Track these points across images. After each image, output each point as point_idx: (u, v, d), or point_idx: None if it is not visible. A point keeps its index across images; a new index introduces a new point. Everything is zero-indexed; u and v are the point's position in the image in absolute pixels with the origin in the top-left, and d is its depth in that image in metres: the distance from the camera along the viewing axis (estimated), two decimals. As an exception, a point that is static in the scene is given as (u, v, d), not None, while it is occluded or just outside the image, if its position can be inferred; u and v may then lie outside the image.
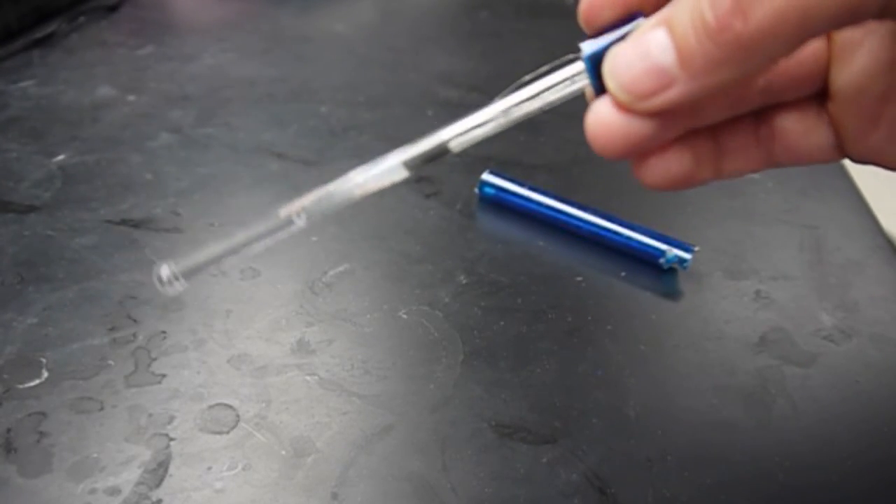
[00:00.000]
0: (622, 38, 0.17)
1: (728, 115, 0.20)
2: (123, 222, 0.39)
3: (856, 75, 0.19)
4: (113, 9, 0.68)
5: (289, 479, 0.27)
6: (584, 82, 0.19)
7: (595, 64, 0.18)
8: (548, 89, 0.19)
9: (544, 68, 0.19)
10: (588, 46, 0.18)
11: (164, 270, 0.21)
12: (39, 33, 0.60)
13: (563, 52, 0.19)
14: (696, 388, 0.32)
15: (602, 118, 0.18)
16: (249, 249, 0.21)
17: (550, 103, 0.19)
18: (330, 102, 0.53)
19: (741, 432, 0.30)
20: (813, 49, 0.19)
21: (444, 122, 0.21)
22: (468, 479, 0.27)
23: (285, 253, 0.38)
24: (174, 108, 0.51)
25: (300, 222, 0.21)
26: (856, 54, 0.19)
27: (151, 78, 0.56)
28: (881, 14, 0.15)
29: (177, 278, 0.21)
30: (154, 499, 0.26)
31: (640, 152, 0.19)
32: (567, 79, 0.19)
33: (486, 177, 0.42)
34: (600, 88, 0.18)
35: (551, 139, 0.49)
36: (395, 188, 0.47)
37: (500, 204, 0.42)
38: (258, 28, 0.66)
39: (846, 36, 0.19)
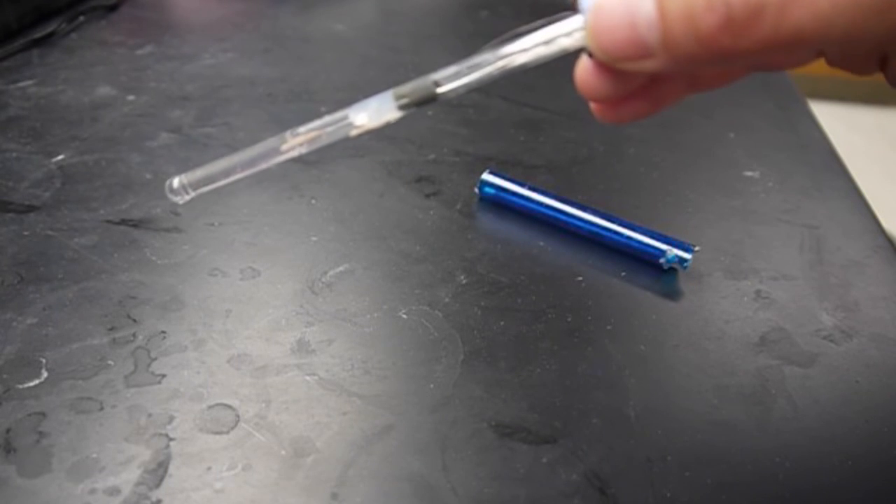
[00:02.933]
0: None
1: None
2: (123, 222, 0.39)
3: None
4: (112, 8, 0.68)
5: (289, 479, 0.27)
6: (578, 36, 0.18)
7: None
8: (543, 43, 0.19)
9: (541, 22, 0.19)
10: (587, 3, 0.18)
11: (175, 181, 0.22)
12: (39, 33, 0.60)
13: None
14: (696, 388, 0.32)
15: (589, 78, 0.18)
16: (251, 169, 0.22)
17: (545, 57, 0.19)
18: (330, 102, 0.53)
19: (741, 432, 0.30)
20: None
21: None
22: (468, 479, 0.27)
23: (285, 253, 0.38)
24: (174, 107, 0.51)
25: (300, 150, 0.22)
26: None
27: (151, 78, 0.56)
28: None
29: (185, 189, 0.22)
30: (154, 499, 0.26)
31: (624, 97, 0.19)
32: (562, 34, 0.19)
33: (486, 177, 0.42)
34: None
35: (551, 139, 0.49)
36: (395, 188, 0.47)
37: (500, 204, 0.42)
38: (258, 28, 0.66)
39: None
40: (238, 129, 0.49)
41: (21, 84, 0.53)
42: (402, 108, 0.20)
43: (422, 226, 0.41)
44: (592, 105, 0.20)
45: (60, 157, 0.45)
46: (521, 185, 0.41)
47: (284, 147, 0.21)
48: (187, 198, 0.22)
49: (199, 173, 0.22)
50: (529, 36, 0.19)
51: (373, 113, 0.21)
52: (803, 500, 0.27)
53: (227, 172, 0.22)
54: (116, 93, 0.53)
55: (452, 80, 0.20)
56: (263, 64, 0.59)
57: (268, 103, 0.53)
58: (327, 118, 0.21)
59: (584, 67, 0.18)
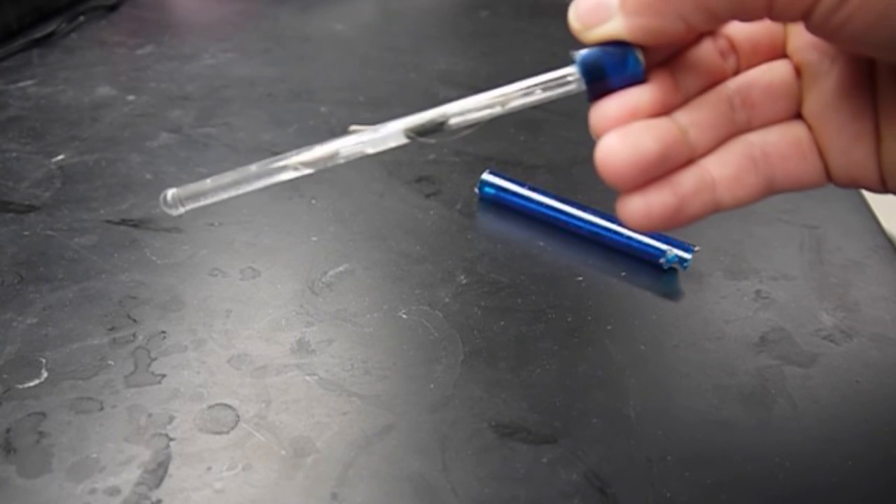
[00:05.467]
0: (616, 52, 0.19)
1: (715, 136, 0.21)
2: (123, 222, 0.39)
3: (828, 96, 0.20)
4: (112, 8, 0.68)
5: (289, 479, 0.27)
6: (574, 85, 0.20)
7: (587, 70, 0.20)
8: (542, 86, 0.21)
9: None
10: (581, 53, 0.20)
11: (170, 193, 0.22)
12: (39, 33, 0.60)
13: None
14: (696, 388, 0.32)
15: (610, 146, 0.19)
16: (250, 187, 0.22)
17: (546, 98, 0.21)
18: (330, 102, 0.53)
19: (741, 432, 0.30)
20: (782, 76, 0.21)
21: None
22: (468, 479, 0.27)
23: (285, 253, 0.38)
24: (174, 108, 0.51)
25: (303, 171, 0.22)
26: (825, 79, 0.20)
27: (151, 78, 0.56)
28: (768, 10, 0.17)
29: (181, 202, 0.22)
30: (154, 499, 0.26)
31: (646, 176, 0.20)
32: (559, 77, 0.20)
33: (486, 177, 0.42)
34: (592, 93, 0.20)
35: (551, 139, 0.49)
36: (395, 188, 0.47)
37: (500, 204, 0.42)
38: (258, 28, 0.66)
39: (814, 64, 0.20)
40: (238, 129, 0.49)
41: (21, 84, 0.53)
42: (408, 136, 0.21)
43: (422, 226, 0.41)
44: (623, 208, 0.21)
45: (60, 157, 0.45)
46: (521, 185, 0.41)
47: (288, 167, 0.22)
48: (182, 210, 0.23)
49: (194, 188, 0.22)
50: (533, 78, 0.21)
51: (380, 139, 0.22)
52: (803, 499, 0.27)
53: (223, 188, 0.22)
54: (116, 93, 0.53)
55: (459, 115, 0.21)
56: (263, 64, 0.59)
57: (268, 103, 0.53)
58: (333, 143, 0.22)
59: (603, 149, 0.19)
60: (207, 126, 0.49)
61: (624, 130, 0.19)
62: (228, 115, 0.51)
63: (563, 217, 0.40)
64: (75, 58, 0.58)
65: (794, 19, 0.18)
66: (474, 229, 0.41)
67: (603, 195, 0.44)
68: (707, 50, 0.21)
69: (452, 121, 0.21)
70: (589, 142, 0.20)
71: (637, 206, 0.20)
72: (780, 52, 0.21)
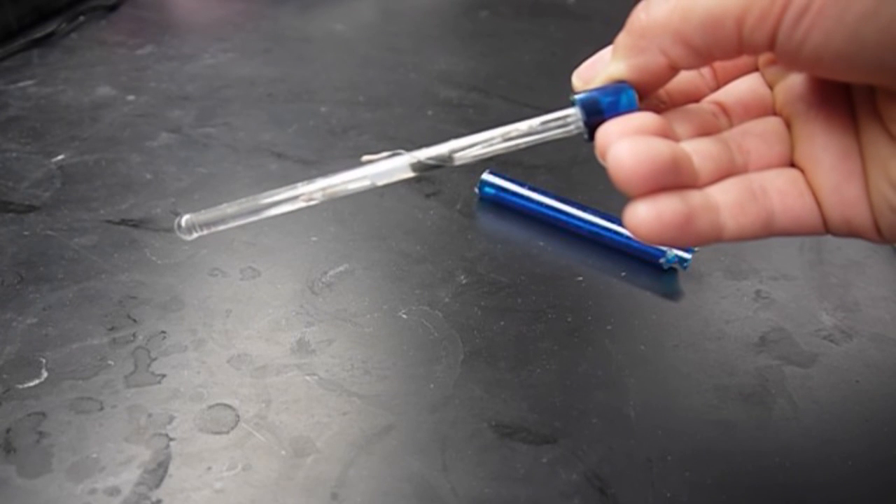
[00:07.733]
0: (611, 91, 0.21)
1: (716, 168, 0.21)
2: (123, 222, 0.39)
3: (817, 139, 0.21)
4: (112, 8, 0.68)
5: (289, 479, 0.27)
6: (574, 126, 0.22)
7: (585, 107, 0.21)
8: (544, 125, 0.23)
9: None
10: (579, 95, 0.22)
11: (184, 219, 0.23)
12: (39, 33, 0.60)
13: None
14: (696, 388, 0.32)
15: (623, 148, 0.19)
16: (261, 215, 0.23)
17: (547, 137, 0.23)
18: (330, 102, 0.53)
19: (741, 432, 0.30)
20: (774, 126, 0.22)
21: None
22: (468, 479, 0.27)
23: (285, 253, 0.38)
24: (174, 108, 0.51)
25: (314, 202, 0.23)
26: (812, 124, 0.21)
27: (151, 78, 0.56)
28: (738, 29, 0.18)
29: (194, 228, 0.23)
30: (154, 499, 0.26)
31: (658, 180, 0.20)
32: (561, 117, 0.22)
33: (486, 177, 0.42)
34: (591, 130, 0.21)
35: (551, 139, 0.49)
36: (395, 188, 0.47)
37: (500, 204, 0.42)
38: (258, 28, 0.66)
39: (801, 113, 0.21)
40: (238, 129, 0.49)
41: (21, 84, 0.53)
42: (415, 170, 0.23)
43: (422, 226, 0.41)
44: (632, 215, 0.20)
45: (60, 157, 0.45)
46: (521, 185, 0.41)
47: (299, 192, 0.23)
48: (195, 235, 0.24)
49: (207, 215, 0.23)
50: (535, 119, 0.22)
51: (387, 173, 0.24)
52: (803, 499, 0.27)
53: (235, 216, 0.23)
54: (116, 93, 0.53)
55: (465, 151, 0.22)
56: (263, 64, 0.59)
57: (268, 103, 0.53)
58: (343, 174, 0.23)
59: (616, 151, 0.19)
60: (207, 126, 0.49)
61: (635, 137, 0.20)
62: (228, 115, 0.51)
63: (563, 217, 0.40)
64: (75, 58, 0.58)
65: (763, 44, 0.18)
66: (474, 229, 0.41)
67: (603, 195, 0.44)
68: (699, 107, 0.22)
69: (457, 155, 0.22)
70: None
71: (647, 212, 0.20)
72: (769, 113, 0.22)
